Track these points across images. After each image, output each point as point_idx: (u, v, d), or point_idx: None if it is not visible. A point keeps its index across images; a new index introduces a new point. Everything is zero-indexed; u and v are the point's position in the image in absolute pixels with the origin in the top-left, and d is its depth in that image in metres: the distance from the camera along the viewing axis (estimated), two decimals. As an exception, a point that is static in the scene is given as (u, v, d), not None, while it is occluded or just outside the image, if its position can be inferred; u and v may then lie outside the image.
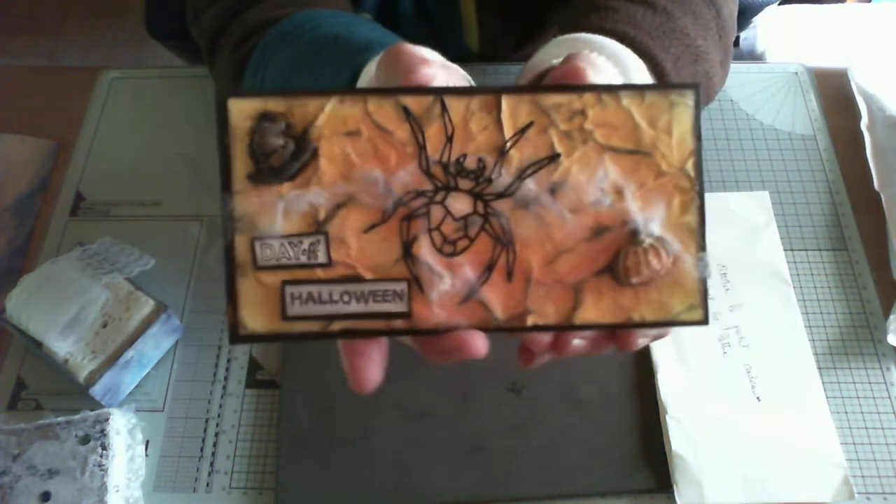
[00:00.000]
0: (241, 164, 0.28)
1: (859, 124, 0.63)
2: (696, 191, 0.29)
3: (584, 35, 0.43)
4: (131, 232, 0.60)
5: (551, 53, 0.43)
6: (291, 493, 0.49)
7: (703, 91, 0.49)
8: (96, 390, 0.51)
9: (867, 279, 0.57)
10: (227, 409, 0.53)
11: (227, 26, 0.54)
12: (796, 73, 0.68)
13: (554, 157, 0.28)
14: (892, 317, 0.54)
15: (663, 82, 0.44)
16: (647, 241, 0.28)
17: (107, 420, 0.49)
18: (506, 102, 0.28)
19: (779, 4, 0.84)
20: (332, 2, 0.56)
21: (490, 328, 0.29)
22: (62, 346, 0.51)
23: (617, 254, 0.29)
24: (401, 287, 0.28)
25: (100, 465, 0.48)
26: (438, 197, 0.28)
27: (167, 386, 0.54)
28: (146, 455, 0.51)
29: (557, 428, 0.51)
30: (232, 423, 0.52)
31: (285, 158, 0.28)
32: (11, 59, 1.77)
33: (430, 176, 0.28)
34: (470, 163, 0.28)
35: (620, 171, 0.29)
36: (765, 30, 0.87)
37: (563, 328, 0.29)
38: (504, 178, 0.28)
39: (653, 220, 0.29)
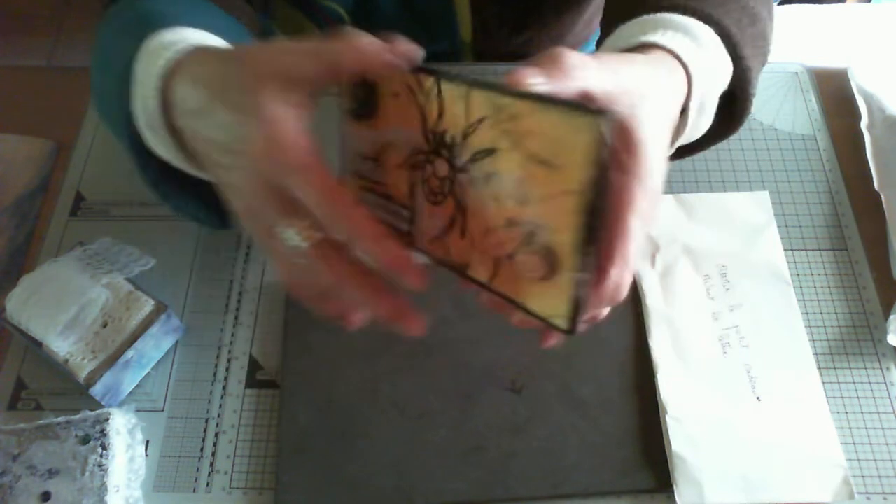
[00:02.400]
0: (346, 102, 0.38)
1: (859, 124, 0.63)
2: (585, 214, 0.29)
3: (658, 15, 0.45)
4: (131, 232, 0.60)
5: (630, 32, 0.45)
6: (291, 493, 0.49)
7: (763, 56, 0.50)
8: (96, 390, 0.51)
9: (867, 279, 0.57)
10: (227, 409, 0.53)
11: None
12: (796, 73, 0.68)
13: (491, 151, 0.32)
14: (892, 317, 0.54)
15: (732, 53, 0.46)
16: (536, 247, 0.31)
17: (107, 420, 0.49)
18: (473, 94, 0.32)
19: (779, 4, 0.84)
20: None
21: (446, 265, 0.36)
22: (62, 346, 0.51)
23: (518, 246, 0.32)
24: (406, 213, 0.37)
25: (100, 465, 0.48)
26: (431, 158, 0.35)
27: (167, 386, 0.54)
28: (146, 455, 0.51)
29: (557, 428, 0.51)
30: (232, 423, 0.52)
31: (364, 105, 0.37)
32: (11, 59, 1.77)
33: (427, 141, 0.34)
34: (448, 138, 0.33)
35: (532, 178, 0.31)
36: (765, 30, 0.86)
37: (486, 288, 0.34)
38: (462, 158, 0.33)
39: (544, 230, 0.31)
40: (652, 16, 0.45)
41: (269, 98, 0.34)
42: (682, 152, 0.50)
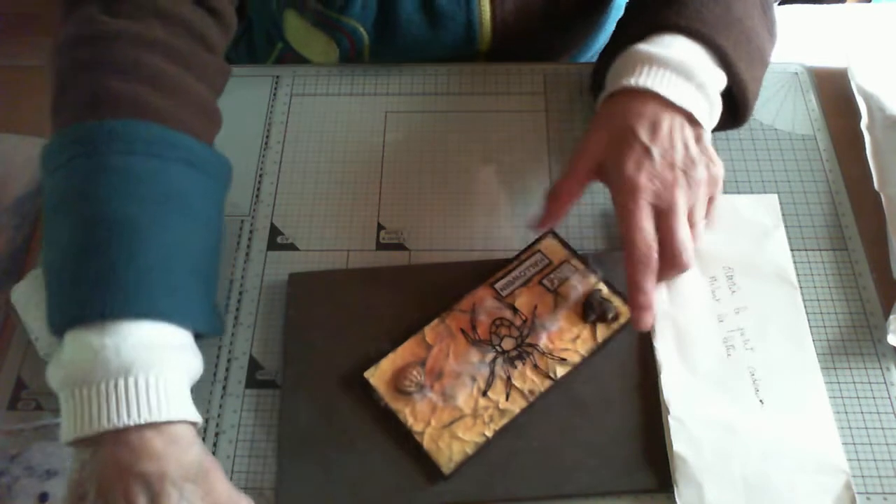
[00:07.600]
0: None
1: (859, 124, 0.63)
2: None
3: (654, 52, 0.52)
4: (131, 232, 0.60)
5: (623, 68, 0.53)
6: (291, 493, 0.49)
7: (760, 61, 0.57)
8: (96, 390, 0.50)
9: (867, 279, 0.57)
10: (227, 409, 0.53)
11: (79, 57, 0.50)
12: (796, 73, 0.68)
13: None
14: (892, 317, 0.54)
15: (727, 69, 0.53)
16: None
17: (106, 420, 0.49)
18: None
19: (779, 4, 0.84)
20: (167, 79, 0.51)
21: None
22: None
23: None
24: None
25: (99, 466, 0.48)
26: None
27: (167, 386, 0.54)
28: (146, 455, 0.51)
29: (557, 428, 0.51)
30: (232, 423, 0.52)
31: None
32: (11, 59, 1.76)
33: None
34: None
35: None
36: (765, 30, 0.86)
37: None
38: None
39: None
40: (655, 53, 0.52)
41: None
42: None
